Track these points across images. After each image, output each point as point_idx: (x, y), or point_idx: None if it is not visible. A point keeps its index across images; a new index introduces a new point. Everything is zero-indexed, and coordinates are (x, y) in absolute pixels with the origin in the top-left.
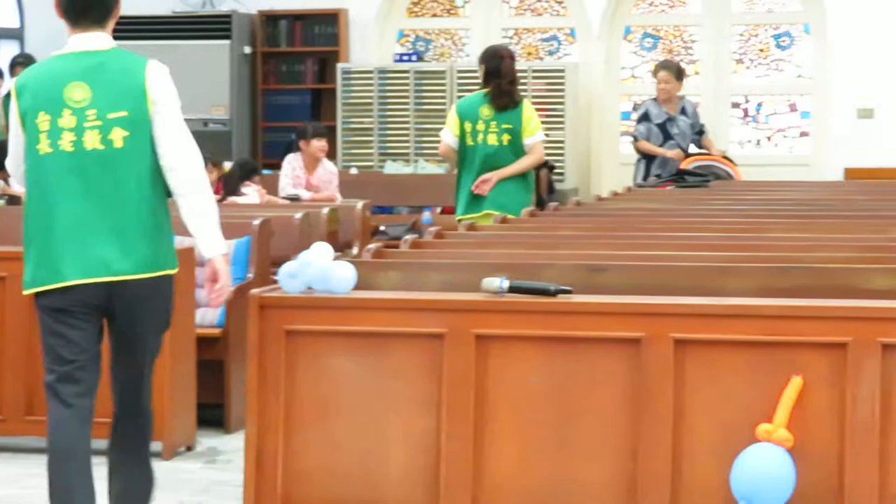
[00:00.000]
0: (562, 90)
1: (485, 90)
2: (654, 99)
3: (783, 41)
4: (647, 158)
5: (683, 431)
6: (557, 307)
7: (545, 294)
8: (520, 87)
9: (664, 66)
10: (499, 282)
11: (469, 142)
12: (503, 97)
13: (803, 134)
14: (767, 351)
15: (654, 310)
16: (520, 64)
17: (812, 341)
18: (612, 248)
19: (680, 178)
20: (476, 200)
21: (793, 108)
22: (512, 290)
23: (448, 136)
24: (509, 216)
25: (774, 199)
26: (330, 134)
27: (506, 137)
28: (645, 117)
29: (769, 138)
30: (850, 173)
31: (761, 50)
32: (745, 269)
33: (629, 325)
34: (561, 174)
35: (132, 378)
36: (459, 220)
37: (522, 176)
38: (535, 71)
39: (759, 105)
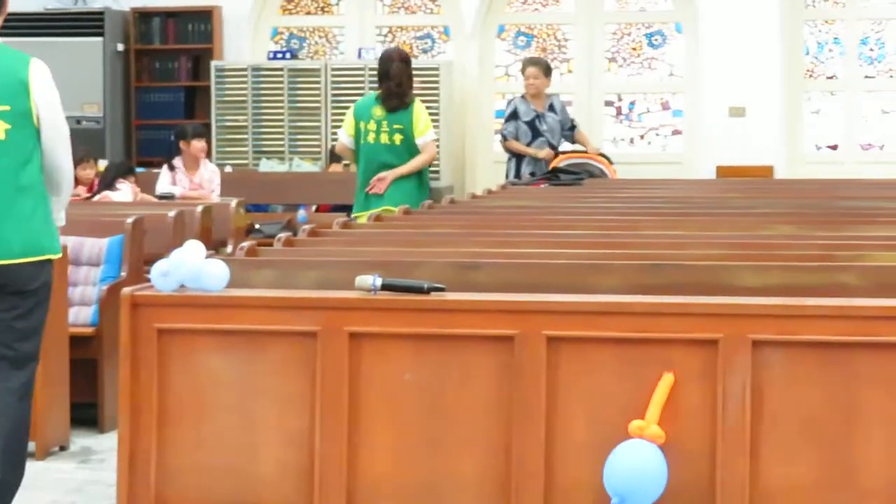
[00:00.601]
0: (436, 88)
1: (378, 91)
2: (523, 96)
3: (655, 40)
4: (517, 157)
5: (556, 428)
6: (430, 305)
7: (418, 292)
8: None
9: (532, 62)
10: (372, 280)
11: (363, 141)
12: (392, 99)
13: (676, 132)
14: (639, 348)
15: (526, 307)
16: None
17: (683, 338)
18: (485, 245)
19: (554, 176)
20: (372, 199)
21: (665, 106)
22: (385, 287)
23: (343, 135)
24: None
25: (647, 196)
26: (204, 132)
27: (398, 137)
28: (514, 115)
29: (642, 136)
30: (722, 171)
31: (634, 49)
32: (618, 266)
33: (502, 322)
34: (436, 172)
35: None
36: (355, 218)
37: (418, 174)
38: None
39: (632, 103)
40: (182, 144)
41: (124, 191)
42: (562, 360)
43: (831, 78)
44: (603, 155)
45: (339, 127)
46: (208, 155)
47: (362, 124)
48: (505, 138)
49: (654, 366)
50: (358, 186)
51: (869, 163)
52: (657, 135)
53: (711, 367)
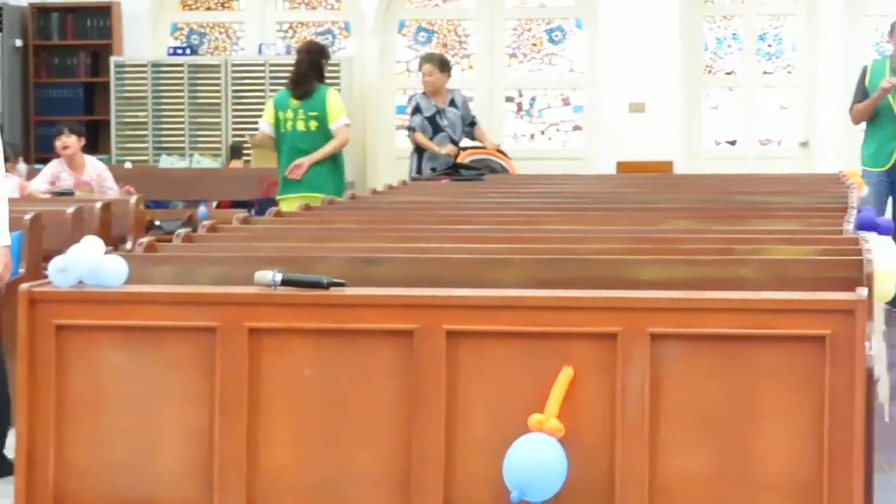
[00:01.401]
0: (337, 84)
1: None
2: (423, 93)
3: (556, 36)
4: (420, 151)
5: (457, 422)
6: (330, 300)
7: (318, 287)
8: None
9: (427, 58)
10: (271, 275)
11: (282, 129)
12: (296, 88)
13: (576, 128)
14: (539, 341)
15: (426, 301)
16: (294, 58)
17: (583, 332)
18: (385, 240)
19: (455, 171)
20: (292, 183)
21: (566, 102)
22: (285, 283)
23: (264, 124)
24: (326, 197)
25: (548, 191)
26: (104, 128)
27: (313, 124)
28: (416, 110)
29: (543, 132)
30: (622, 166)
31: (534, 44)
32: (517, 261)
33: (402, 317)
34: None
35: None
36: (279, 201)
37: (332, 159)
38: None
39: (533, 99)
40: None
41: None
42: (461, 354)
43: (730, 74)
44: (501, 151)
45: (239, 122)
46: (108, 151)
47: (280, 113)
48: (413, 130)
49: (554, 360)
50: (280, 172)
51: (767, 158)
52: (558, 130)
53: (610, 361)
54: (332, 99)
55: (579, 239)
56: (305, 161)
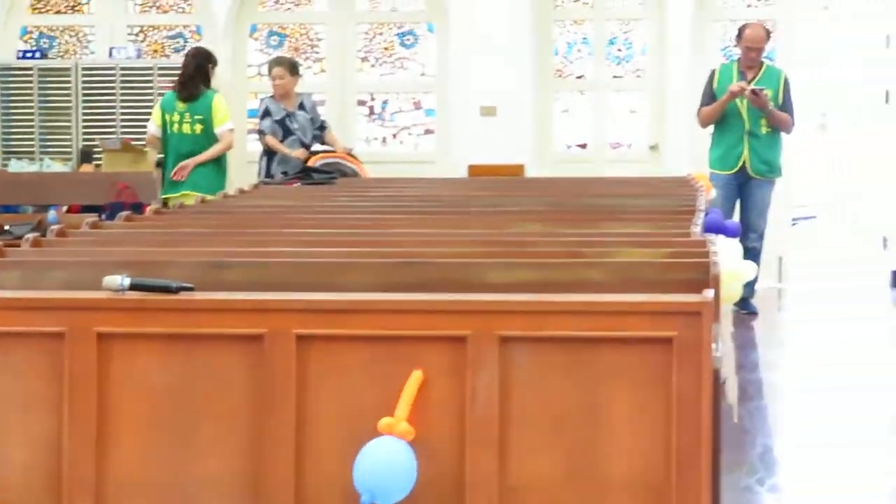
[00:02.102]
0: None
1: None
2: (272, 96)
3: (407, 40)
4: (269, 155)
5: (307, 427)
6: (179, 304)
7: (166, 291)
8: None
9: (277, 62)
10: (120, 279)
11: (169, 131)
12: (182, 90)
13: (428, 131)
14: (389, 345)
15: (275, 306)
16: (146, 62)
17: (432, 335)
18: (235, 245)
19: (306, 175)
20: (176, 183)
21: (417, 105)
22: (133, 287)
23: (152, 126)
24: (207, 197)
25: (399, 195)
26: None
27: (198, 127)
28: (266, 114)
29: (395, 136)
30: (474, 170)
31: (386, 48)
32: (367, 264)
33: (251, 321)
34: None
35: None
36: (164, 200)
37: (216, 162)
38: (161, 69)
39: (385, 103)
40: None
41: None
42: (311, 358)
43: (580, 78)
44: (351, 154)
45: (90, 126)
46: None
47: (167, 115)
48: (263, 133)
49: (404, 363)
50: (165, 172)
51: (618, 161)
52: (409, 134)
53: (460, 364)
54: (218, 103)
55: (429, 242)
56: (190, 163)
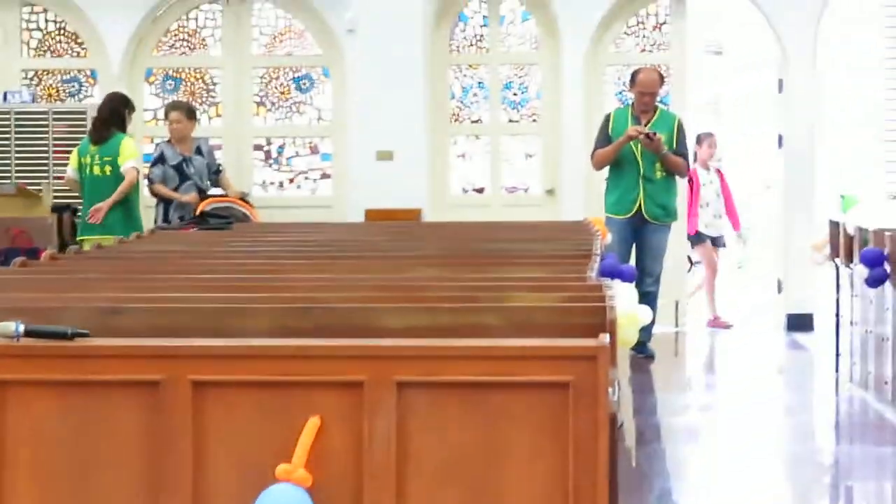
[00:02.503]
0: (83, 132)
1: None
2: (168, 140)
3: (304, 84)
4: (165, 201)
5: (204, 474)
6: (74, 351)
7: (61, 337)
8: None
9: (174, 106)
10: (14, 326)
11: (83, 174)
12: (94, 133)
13: (325, 176)
14: (285, 391)
15: (171, 352)
16: (40, 106)
17: (329, 381)
18: (131, 290)
19: (203, 220)
20: (90, 226)
21: (314, 150)
22: (28, 334)
23: (70, 169)
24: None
25: (297, 240)
26: None
27: (108, 168)
28: (160, 159)
29: (292, 180)
30: (371, 214)
31: (282, 93)
32: (264, 310)
33: (146, 367)
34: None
35: None
36: (81, 241)
37: (125, 204)
38: (56, 113)
39: (282, 147)
40: None
41: None
42: (208, 404)
43: (476, 122)
44: (244, 199)
45: None
46: None
47: (82, 158)
48: (151, 181)
49: (301, 409)
50: (82, 214)
51: (514, 205)
52: (307, 178)
53: (357, 410)
54: (126, 144)
55: (325, 287)
56: (104, 206)
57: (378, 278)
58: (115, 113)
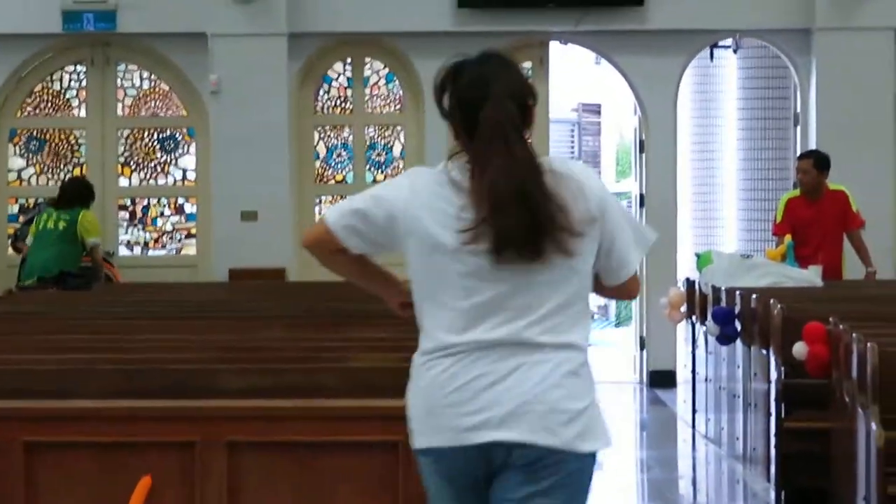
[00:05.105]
0: None
1: None
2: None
3: (168, 144)
4: None
5: None
6: None
7: None
8: None
9: None
10: None
11: (37, 228)
12: (59, 200)
13: (190, 235)
14: (118, 452)
15: (2, 413)
16: None
17: (161, 441)
18: None
19: (62, 280)
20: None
21: (179, 209)
22: None
23: (30, 238)
24: None
25: (153, 300)
26: None
27: (62, 224)
28: (31, 220)
29: (156, 240)
30: (235, 274)
31: (147, 153)
32: (101, 371)
33: None
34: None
35: None
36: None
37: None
38: None
39: (146, 207)
40: None
41: None
42: (40, 467)
43: (341, 182)
44: (106, 259)
45: None
46: None
47: (38, 219)
48: (17, 238)
49: (134, 470)
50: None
51: (385, 264)
52: (171, 238)
53: (189, 470)
54: (88, 218)
55: (169, 348)
56: None
57: (221, 339)
58: (79, 195)
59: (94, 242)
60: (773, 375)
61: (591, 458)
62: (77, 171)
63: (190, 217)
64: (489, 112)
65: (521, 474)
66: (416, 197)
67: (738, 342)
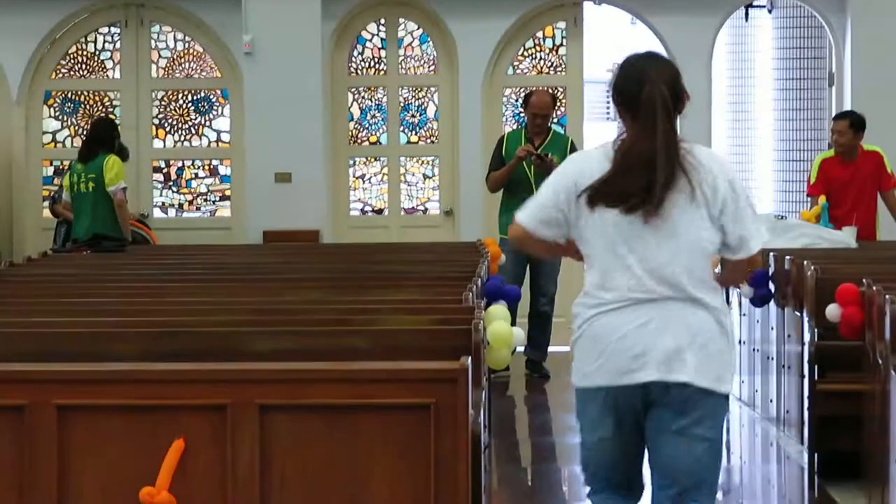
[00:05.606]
0: None
1: None
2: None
3: (202, 106)
4: (67, 223)
5: (69, 498)
6: None
7: None
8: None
9: None
10: None
11: (72, 191)
12: (80, 153)
13: (224, 197)
14: (150, 415)
15: (35, 377)
16: None
17: (193, 404)
18: (6, 315)
19: (96, 243)
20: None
21: (213, 172)
22: None
23: (64, 194)
24: None
25: (187, 262)
26: None
27: (91, 185)
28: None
29: (191, 202)
30: (269, 236)
31: (181, 115)
32: (133, 334)
33: (11, 393)
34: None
35: None
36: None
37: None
38: None
39: (181, 169)
40: None
41: None
42: (73, 429)
43: (375, 144)
44: (141, 221)
45: None
46: None
47: (72, 178)
48: (55, 201)
49: (166, 433)
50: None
51: (413, 226)
52: (206, 200)
53: (221, 433)
54: (108, 165)
55: (200, 311)
56: None
57: (252, 302)
58: (100, 137)
59: (113, 190)
60: (807, 337)
61: (726, 397)
62: None
63: (224, 179)
64: (646, 93)
65: (674, 408)
66: (581, 176)
67: (772, 304)
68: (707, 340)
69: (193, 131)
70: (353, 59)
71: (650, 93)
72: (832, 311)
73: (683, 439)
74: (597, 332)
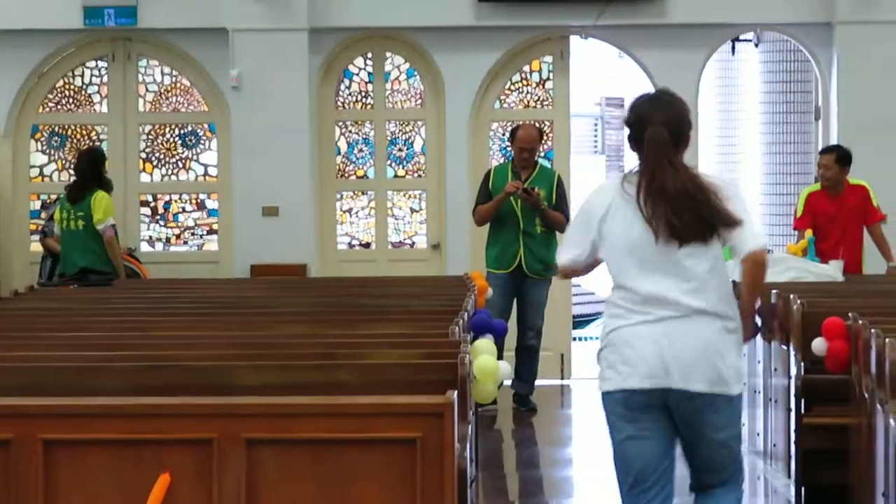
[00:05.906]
0: None
1: None
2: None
3: (190, 140)
4: (53, 256)
5: None
6: None
7: None
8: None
9: None
10: None
11: (62, 227)
12: (70, 194)
13: (212, 231)
14: (135, 449)
15: (20, 411)
16: None
17: (179, 438)
18: None
19: (83, 277)
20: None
21: (201, 205)
22: None
23: (56, 229)
24: None
25: (173, 297)
26: None
27: (80, 223)
28: (52, 216)
29: (178, 236)
30: (256, 270)
31: (168, 149)
32: (118, 368)
33: None
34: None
35: None
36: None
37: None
38: None
39: (168, 203)
40: None
41: None
42: (60, 463)
43: (362, 177)
44: (131, 255)
45: None
46: None
47: (61, 215)
48: (45, 235)
49: (151, 467)
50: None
51: (400, 260)
52: (193, 234)
53: (207, 467)
54: (97, 202)
55: (187, 345)
56: None
57: (239, 336)
58: (85, 177)
59: (102, 228)
60: (794, 371)
61: (740, 396)
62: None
63: (212, 213)
64: (649, 134)
65: (697, 415)
66: (607, 209)
67: (759, 337)
68: (721, 350)
69: (181, 165)
70: (341, 92)
71: (651, 135)
72: (818, 344)
73: (713, 443)
74: (622, 341)
